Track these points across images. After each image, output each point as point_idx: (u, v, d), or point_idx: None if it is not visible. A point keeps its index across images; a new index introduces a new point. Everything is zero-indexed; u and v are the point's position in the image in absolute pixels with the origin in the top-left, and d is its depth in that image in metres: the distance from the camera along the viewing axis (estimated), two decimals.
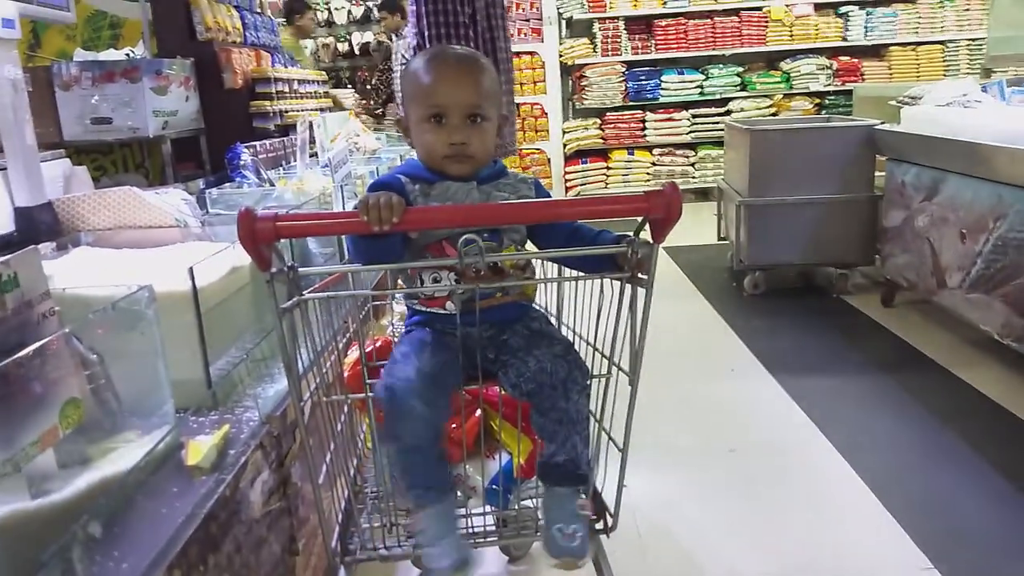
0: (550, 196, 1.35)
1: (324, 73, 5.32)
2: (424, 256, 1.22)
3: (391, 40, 6.77)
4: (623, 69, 7.39)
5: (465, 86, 1.21)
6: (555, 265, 1.35)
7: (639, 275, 1.13)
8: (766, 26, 7.33)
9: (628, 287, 1.15)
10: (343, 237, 2.21)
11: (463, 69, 1.23)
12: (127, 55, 3.51)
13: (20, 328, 1.04)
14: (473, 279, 1.15)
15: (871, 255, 4.25)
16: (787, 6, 7.31)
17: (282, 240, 1.01)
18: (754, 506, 2.30)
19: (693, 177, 7.46)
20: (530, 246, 1.31)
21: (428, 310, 1.25)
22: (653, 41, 7.39)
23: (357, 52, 8.58)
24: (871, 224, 4.18)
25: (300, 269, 1.06)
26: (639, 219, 1.09)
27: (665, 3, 7.33)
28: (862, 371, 3.28)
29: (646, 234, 1.08)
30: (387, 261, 1.16)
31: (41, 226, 1.77)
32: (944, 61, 7.26)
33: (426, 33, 2.57)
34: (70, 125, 3.18)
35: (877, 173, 4.19)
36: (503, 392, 1.23)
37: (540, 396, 1.17)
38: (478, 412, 1.33)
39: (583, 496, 1.23)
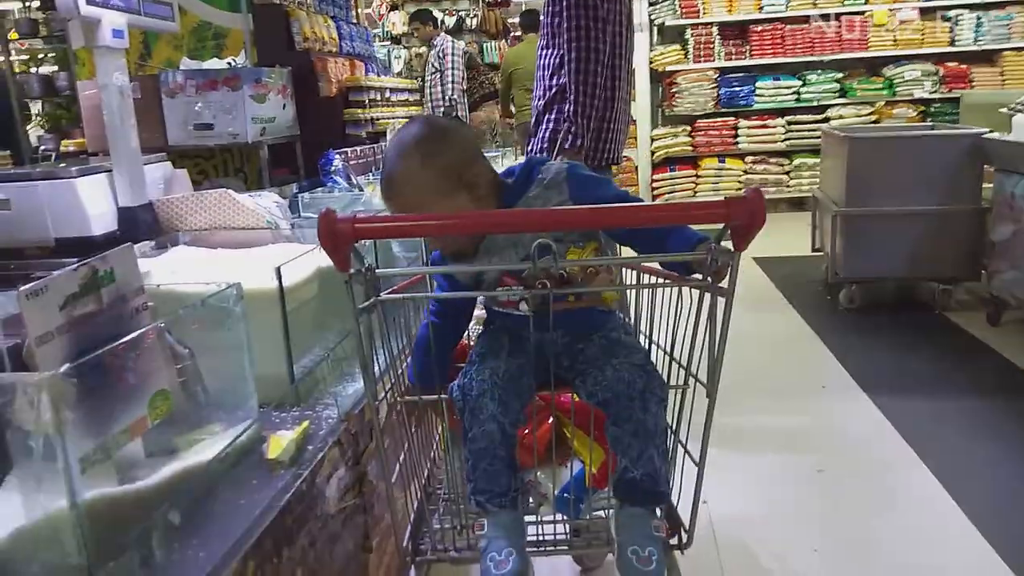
0: (590, 184, 1.23)
1: (415, 82, 5.43)
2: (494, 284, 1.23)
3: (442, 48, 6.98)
4: (715, 75, 7.24)
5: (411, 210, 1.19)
6: (632, 271, 1.33)
7: (719, 284, 1.09)
8: (867, 31, 7.05)
9: (707, 296, 1.12)
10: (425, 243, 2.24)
11: (393, 202, 1.21)
12: (229, 64, 3.66)
13: (115, 321, 1.09)
14: (543, 284, 1.14)
15: (976, 270, 4.02)
16: (890, 10, 7.02)
17: (363, 242, 1.02)
18: (841, 531, 2.20)
19: (788, 186, 7.24)
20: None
21: (503, 310, 1.25)
22: (748, 46, 7.22)
23: None
24: (977, 237, 3.96)
25: (378, 271, 1.07)
26: (721, 226, 1.05)
27: (762, 8, 7.15)
28: (964, 393, 3.10)
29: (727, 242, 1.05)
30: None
31: (142, 225, 1.86)
32: None
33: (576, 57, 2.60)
34: (175, 130, 3.34)
35: (984, 184, 3.97)
36: (576, 399, 1.21)
37: (616, 406, 1.14)
38: (551, 419, 1.32)
39: (658, 515, 1.19)
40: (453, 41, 7.28)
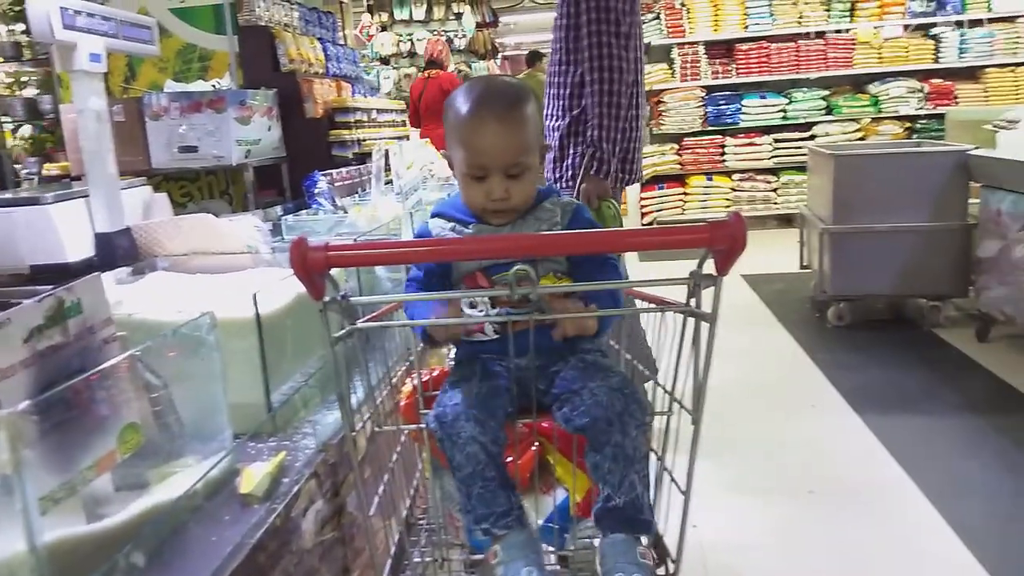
0: (591, 223, 1.28)
1: (403, 103, 5.43)
2: (460, 288, 1.20)
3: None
4: (702, 94, 7.28)
5: (507, 144, 1.16)
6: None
7: (702, 309, 1.06)
8: (853, 48, 7.12)
9: (691, 320, 1.09)
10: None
11: (506, 124, 1.17)
12: (214, 86, 3.65)
13: (82, 353, 1.06)
14: (513, 305, 1.12)
15: (965, 287, 4.02)
16: (875, 28, 7.08)
17: (338, 268, 1.00)
18: (832, 553, 2.17)
19: (775, 203, 7.27)
20: None
21: (469, 339, 1.22)
22: (734, 65, 7.27)
23: None
24: (964, 254, 3.97)
25: (353, 299, 1.05)
26: (703, 250, 1.04)
27: (747, 27, 7.21)
28: (954, 411, 3.09)
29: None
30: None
31: (119, 251, 1.83)
32: None
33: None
34: (158, 153, 3.32)
35: (971, 200, 3.98)
36: (556, 424, 1.19)
37: (595, 431, 1.11)
38: (533, 446, 1.29)
39: (644, 543, 1.16)
40: None
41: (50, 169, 3.85)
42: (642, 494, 1.13)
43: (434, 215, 1.28)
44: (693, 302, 1.07)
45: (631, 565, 1.09)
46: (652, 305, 1.17)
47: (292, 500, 1.19)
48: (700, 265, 1.05)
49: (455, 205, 1.27)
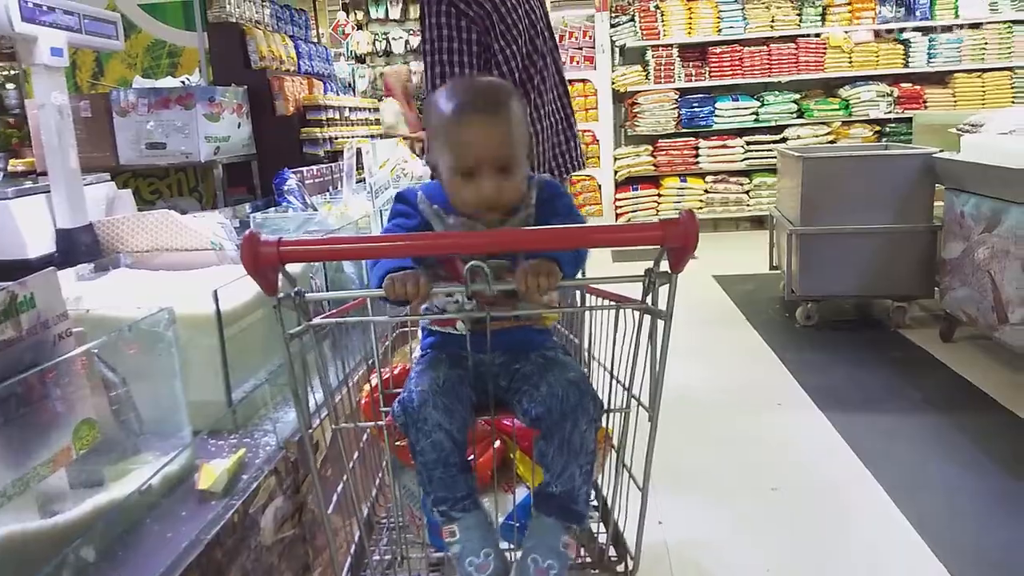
0: (560, 201, 1.24)
1: (377, 101, 5.41)
2: (437, 269, 1.20)
3: None
4: (676, 96, 7.33)
5: (496, 139, 1.13)
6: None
7: (658, 306, 1.08)
8: (824, 53, 7.21)
9: (648, 318, 1.11)
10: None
11: (494, 119, 1.14)
12: (183, 83, 3.62)
13: (35, 348, 1.05)
14: (486, 301, 1.12)
15: (930, 288, 4.09)
16: (846, 32, 7.18)
17: (299, 267, 1.00)
18: (796, 549, 2.20)
19: (747, 205, 7.34)
20: None
21: (440, 329, 1.22)
22: (707, 68, 7.33)
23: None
24: (930, 255, 4.03)
25: (308, 295, 1.05)
26: (659, 248, 1.05)
27: (720, 30, 7.27)
28: (918, 409, 3.14)
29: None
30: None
31: (81, 247, 1.81)
32: (1012, 88, 7.02)
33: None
34: (126, 150, 3.29)
35: (936, 203, 4.05)
36: (517, 422, 1.19)
37: (548, 421, 1.12)
38: (494, 444, 1.29)
39: (573, 535, 1.16)
40: None
41: (15, 165, 3.79)
42: (579, 487, 1.14)
43: (421, 189, 1.24)
44: (649, 299, 1.09)
45: (549, 550, 1.10)
46: (609, 302, 1.19)
47: (251, 496, 1.19)
48: (656, 263, 1.06)
49: (440, 192, 1.22)
